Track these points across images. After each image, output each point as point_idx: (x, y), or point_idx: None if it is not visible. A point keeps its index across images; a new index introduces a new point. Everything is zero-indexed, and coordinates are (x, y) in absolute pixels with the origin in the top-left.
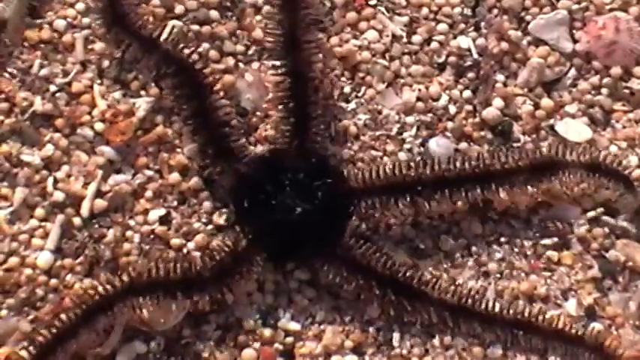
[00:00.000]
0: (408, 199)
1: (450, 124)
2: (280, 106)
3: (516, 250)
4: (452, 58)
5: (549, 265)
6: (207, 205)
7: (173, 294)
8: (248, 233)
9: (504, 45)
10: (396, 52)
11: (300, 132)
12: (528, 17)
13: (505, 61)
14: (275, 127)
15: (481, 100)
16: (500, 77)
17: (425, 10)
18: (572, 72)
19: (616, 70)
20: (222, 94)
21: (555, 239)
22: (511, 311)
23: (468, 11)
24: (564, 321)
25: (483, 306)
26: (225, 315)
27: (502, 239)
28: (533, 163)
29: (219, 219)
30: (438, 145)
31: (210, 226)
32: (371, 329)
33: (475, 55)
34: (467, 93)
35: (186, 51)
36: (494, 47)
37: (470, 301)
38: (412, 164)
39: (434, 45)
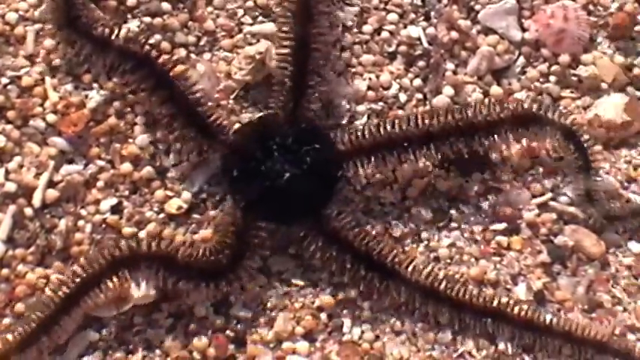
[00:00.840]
0: (396, 155)
1: (400, 113)
2: (280, 70)
3: (466, 235)
4: (402, 48)
5: (499, 250)
6: (159, 194)
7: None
8: (240, 202)
9: (454, 34)
10: (347, 42)
11: (295, 98)
12: (478, 6)
13: (455, 50)
14: (272, 91)
15: (431, 88)
16: (450, 66)
17: (375, 1)
18: (521, 60)
19: (564, 58)
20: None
21: (505, 224)
22: (481, 299)
23: (417, 1)
24: (533, 310)
25: (454, 292)
26: (177, 303)
27: (452, 225)
28: (515, 115)
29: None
30: None
31: (162, 215)
32: (322, 315)
33: (425, 44)
34: (417, 81)
35: (140, 44)
36: (444, 36)
37: (442, 285)
38: (397, 121)
39: (384, 34)
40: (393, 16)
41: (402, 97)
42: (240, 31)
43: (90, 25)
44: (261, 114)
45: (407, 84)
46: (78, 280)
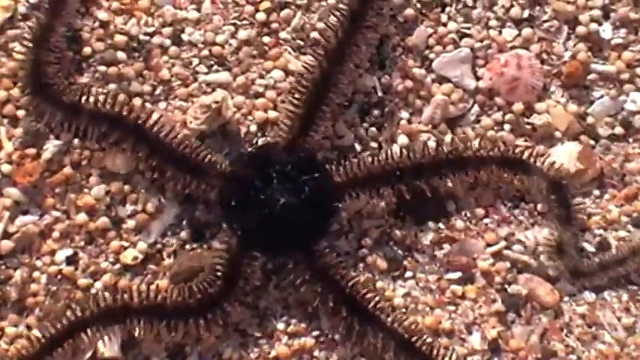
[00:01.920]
0: (390, 188)
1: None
2: (294, 99)
3: (421, 284)
4: (357, 96)
5: (454, 300)
6: (114, 244)
7: (195, 319)
8: (237, 231)
9: (409, 83)
10: None
11: (303, 128)
12: (432, 55)
13: (409, 99)
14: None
15: (386, 137)
16: (404, 114)
17: None
18: (476, 108)
19: (518, 106)
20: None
21: (459, 273)
22: (454, 356)
23: (372, 50)
24: None
25: (430, 348)
26: (134, 353)
27: (407, 274)
28: (504, 157)
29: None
30: None
31: (117, 265)
32: None
33: (380, 93)
34: (372, 130)
35: (109, 104)
36: (398, 85)
37: (418, 339)
38: (389, 154)
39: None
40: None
41: (357, 147)
42: (196, 80)
43: (60, 92)
44: (261, 142)
45: (362, 133)
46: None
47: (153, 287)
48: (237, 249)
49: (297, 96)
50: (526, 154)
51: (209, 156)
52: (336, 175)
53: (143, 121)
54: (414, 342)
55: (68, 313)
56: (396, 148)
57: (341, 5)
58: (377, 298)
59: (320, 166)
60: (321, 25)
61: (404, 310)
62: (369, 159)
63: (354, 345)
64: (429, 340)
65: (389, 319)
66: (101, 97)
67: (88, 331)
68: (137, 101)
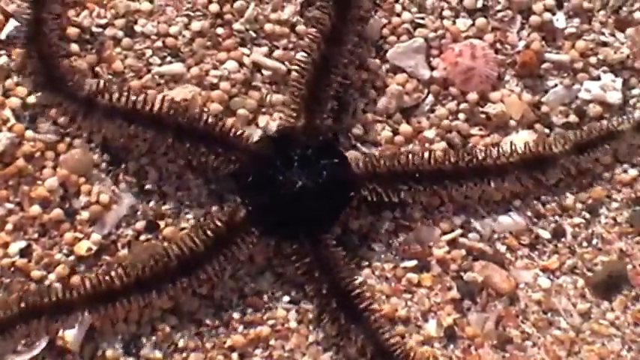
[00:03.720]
0: (407, 187)
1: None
2: (296, 82)
3: (377, 273)
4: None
5: (410, 288)
6: (68, 236)
7: (172, 279)
8: (248, 205)
9: (363, 73)
10: (256, 82)
11: (310, 109)
12: (386, 46)
13: (364, 89)
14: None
15: (341, 128)
16: (359, 105)
17: (284, 41)
18: (430, 98)
19: (472, 96)
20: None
21: (415, 262)
22: None
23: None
24: None
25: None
26: (90, 347)
27: (363, 263)
28: (524, 159)
29: (81, 250)
30: None
31: (71, 257)
32: (234, 355)
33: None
34: (328, 121)
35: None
36: (353, 75)
37: (395, 349)
38: (410, 156)
39: (294, 74)
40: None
41: None
42: (149, 71)
43: (75, 86)
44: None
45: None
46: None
47: None
48: (240, 222)
49: (301, 80)
50: (543, 148)
51: (236, 129)
52: (356, 166)
53: (158, 109)
54: (393, 353)
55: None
56: (416, 149)
57: None
58: (369, 302)
59: (339, 154)
60: (274, 16)
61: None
62: (390, 157)
63: (334, 335)
64: (411, 355)
65: (375, 324)
66: (115, 94)
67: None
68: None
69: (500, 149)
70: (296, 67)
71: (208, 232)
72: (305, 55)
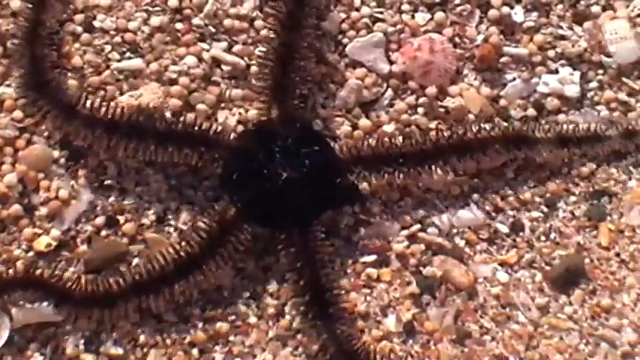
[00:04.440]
0: (391, 170)
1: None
2: (260, 75)
3: (336, 268)
4: (271, 82)
5: (369, 283)
6: (27, 232)
7: (170, 283)
8: (236, 202)
9: (322, 67)
10: (216, 77)
11: (279, 99)
12: (345, 40)
13: (323, 84)
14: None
15: (300, 122)
16: (319, 99)
17: (243, 36)
18: (389, 92)
19: (431, 90)
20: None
21: (375, 257)
22: None
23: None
24: None
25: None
26: (47, 340)
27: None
28: (506, 135)
29: (40, 246)
30: None
31: (30, 253)
32: (194, 351)
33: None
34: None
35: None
36: (312, 69)
37: (361, 355)
38: (392, 138)
39: (253, 69)
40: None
41: None
42: (108, 67)
43: (59, 91)
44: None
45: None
46: None
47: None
48: (231, 219)
49: (265, 71)
50: (526, 127)
51: (216, 127)
52: (340, 152)
53: (136, 118)
54: (355, 355)
55: None
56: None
57: None
58: (343, 304)
59: (321, 139)
60: (233, 11)
61: None
62: (374, 140)
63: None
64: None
65: (343, 327)
66: (96, 102)
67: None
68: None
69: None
70: (258, 60)
71: (202, 234)
72: (265, 45)
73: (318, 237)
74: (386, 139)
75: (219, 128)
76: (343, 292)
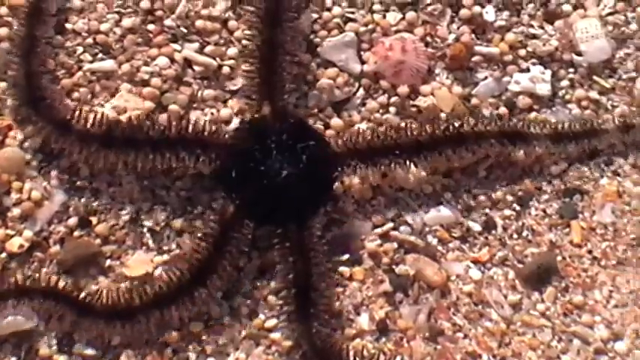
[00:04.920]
0: (387, 161)
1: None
2: (248, 73)
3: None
4: (243, 82)
5: (342, 281)
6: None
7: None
8: (235, 200)
9: (295, 67)
10: (188, 78)
11: (270, 95)
12: (317, 40)
13: (296, 83)
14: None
15: None
16: (291, 99)
17: (215, 37)
18: (361, 92)
19: (403, 89)
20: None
21: (347, 255)
22: None
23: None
24: None
25: None
26: (21, 342)
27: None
28: (502, 131)
29: (13, 247)
30: None
31: (3, 254)
32: (167, 350)
33: None
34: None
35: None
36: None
37: (335, 353)
38: (388, 129)
39: (225, 70)
40: (233, 51)
41: None
42: (80, 68)
43: (53, 108)
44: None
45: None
46: None
47: None
48: (231, 218)
49: (251, 69)
50: (521, 124)
51: (210, 127)
52: (335, 145)
53: (130, 130)
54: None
55: None
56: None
57: None
58: (326, 306)
59: (316, 133)
60: (205, 12)
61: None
62: (369, 132)
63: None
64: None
65: (319, 326)
66: (90, 116)
67: None
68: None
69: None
70: (243, 58)
71: (206, 237)
72: (248, 43)
73: (315, 234)
74: (381, 130)
75: (214, 128)
76: (327, 293)
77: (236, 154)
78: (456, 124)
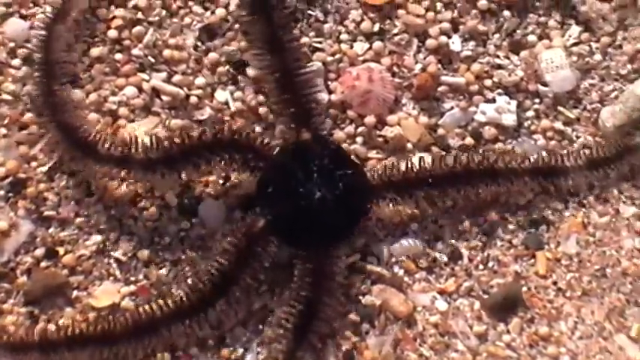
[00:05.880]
0: (422, 194)
1: (212, 178)
2: (279, 104)
3: (275, 298)
4: (211, 112)
5: None
6: None
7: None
8: (267, 215)
9: (261, 97)
10: (155, 108)
11: (308, 122)
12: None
13: (263, 113)
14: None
15: None
16: (257, 129)
17: (183, 66)
18: (328, 122)
19: (370, 119)
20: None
21: None
22: None
23: (226, 67)
24: None
25: None
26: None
27: (262, 288)
28: (536, 167)
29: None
30: (205, 208)
31: None
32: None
33: (233, 108)
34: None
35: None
36: (251, 100)
37: None
38: (422, 161)
39: (193, 99)
40: (200, 81)
41: None
42: None
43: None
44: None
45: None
46: None
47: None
48: (259, 232)
49: (282, 99)
50: (554, 159)
51: (262, 138)
52: (371, 177)
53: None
54: None
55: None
56: (427, 157)
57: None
58: (321, 335)
59: (354, 163)
60: (172, 41)
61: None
62: (402, 164)
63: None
64: None
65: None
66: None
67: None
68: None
69: (513, 155)
70: (270, 92)
71: (231, 248)
72: (269, 75)
73: (337, 263)
74: (415, 161)
75: (265, 140)
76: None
77: (277, 171)
78: (491, 159)
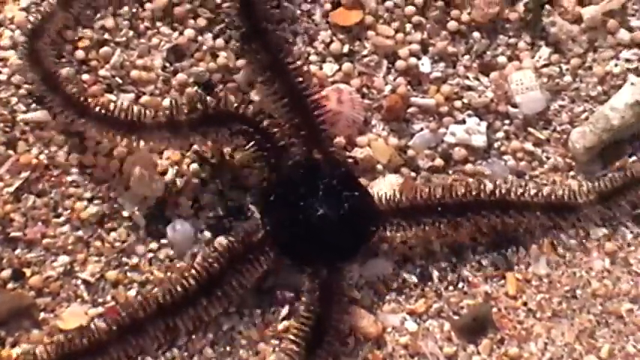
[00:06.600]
0: (431, 221)
1: (182, 199)
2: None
3: (245, 319)
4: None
5: (278, 334)
6: None
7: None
8: (267, 226)
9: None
10: None
11: (319, 143)
12: (253, 93)
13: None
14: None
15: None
16: (226, 149)
17: (151, 87)
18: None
19: (340, 140)
20: None
21: (286, 308)
22: None
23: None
24: None
25: None
26: None
27: (231, 309)
28: (548, 203)
29: None
30: (175, 229)
31: None
32: None
33: None
34: (194, 166)
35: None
36: None
37: None
38: (432, 190)
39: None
40: (168, 102)
41: (179, 182)
42: (14, 119)
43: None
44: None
45: (184, 170)
46: None
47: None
48: (257, 242)
49: (295, 120)
50: (568, 194)
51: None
52: (379, 202)
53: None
54: None
55: None
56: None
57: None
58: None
59: (362, 187)
60: (140, 62)
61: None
62: (412, 192)
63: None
64: None
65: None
66: None
67: None
68: None
69: (525, 188)
70: (283, 119)
71: (224, 252)
72: (277, 101)
73: (344, 282)
74: (424, 189)
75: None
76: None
77: (286, 184)
78: (503, 190)
